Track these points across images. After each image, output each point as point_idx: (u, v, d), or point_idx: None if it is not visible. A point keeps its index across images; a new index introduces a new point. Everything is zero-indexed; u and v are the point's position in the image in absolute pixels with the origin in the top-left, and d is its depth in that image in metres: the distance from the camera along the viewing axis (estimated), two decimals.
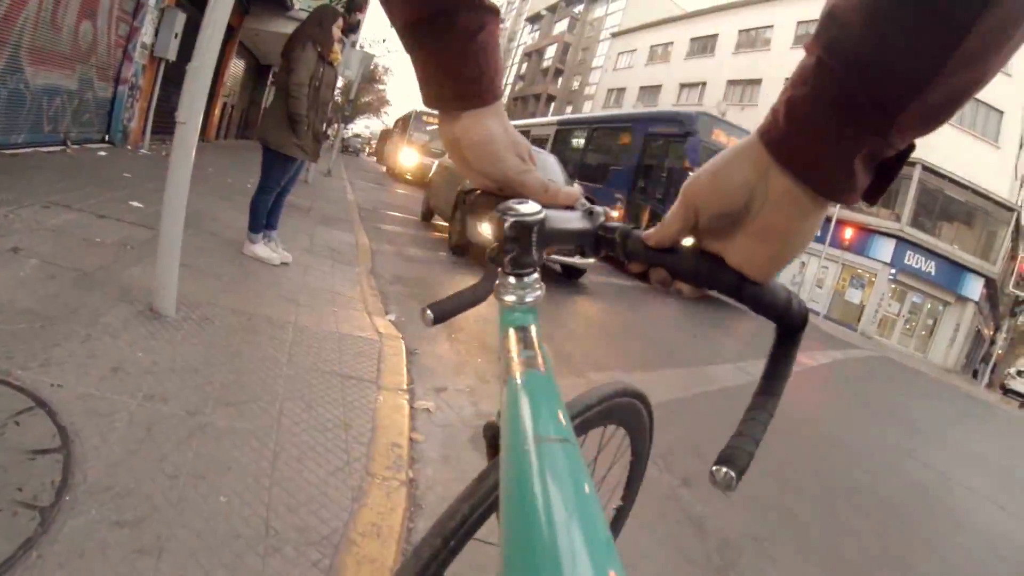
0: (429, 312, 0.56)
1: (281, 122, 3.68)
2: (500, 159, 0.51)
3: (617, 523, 1.12)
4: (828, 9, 0.33)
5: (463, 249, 6.48)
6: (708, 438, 3.24)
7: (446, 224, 7.75)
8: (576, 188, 0.53)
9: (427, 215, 9.40)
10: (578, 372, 3.74)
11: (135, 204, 4.20)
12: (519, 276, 0.49)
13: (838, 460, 3.54)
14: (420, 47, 0.46)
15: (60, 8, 5.05)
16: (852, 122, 0.34)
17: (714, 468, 0.41)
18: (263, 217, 3.90)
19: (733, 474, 0.40)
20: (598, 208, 0.53)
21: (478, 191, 0.58)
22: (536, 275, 0.50)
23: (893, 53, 0.31)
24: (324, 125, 3.96)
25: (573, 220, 0.51)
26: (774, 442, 3.48)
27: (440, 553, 0.60)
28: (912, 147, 0.36)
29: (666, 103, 31.90)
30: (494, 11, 0.45)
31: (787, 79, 0.37)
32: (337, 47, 3.87)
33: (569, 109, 44.60)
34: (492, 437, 0.73)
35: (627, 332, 5.38)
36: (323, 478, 1.71)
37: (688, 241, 0.47)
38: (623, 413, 0.91)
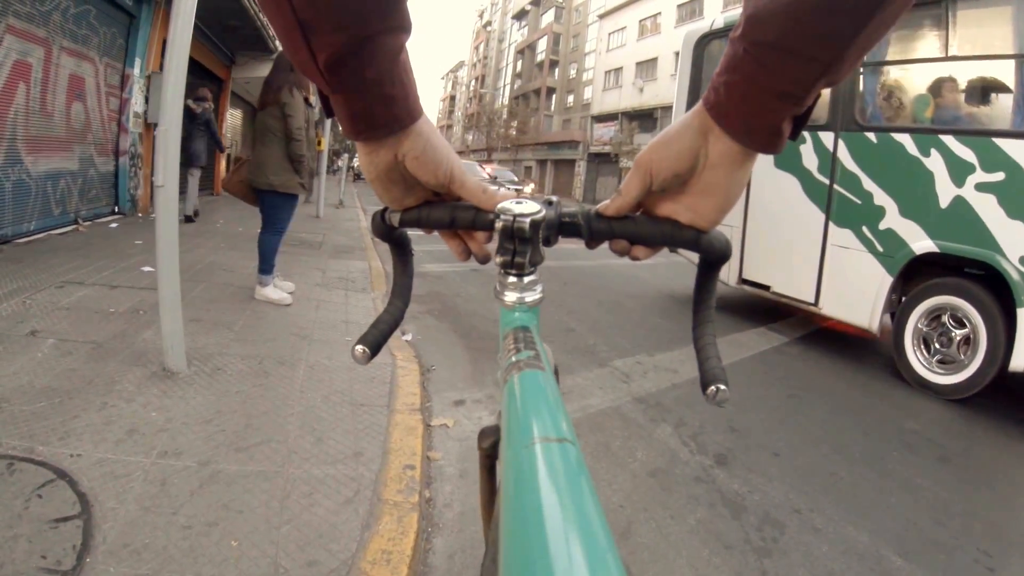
0: (360, 347, 0.57)
1: (282, 164, 3.87)
2: (444, 163, 0.53)
3: None
4: (750, 12, 0.40)
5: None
6: (743, 411, 3.12)
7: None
8: (507, 190, 0.57)
9: None
10: (602, 362, 3.70)
11: (147, 269, 4.32)
12: (519, 276, 0.51)
13: (887, 408, 3.41)
14: (345, 82, 0.45)
15: (48, 96, 5.24)
16: (778, 97, 0.42)
17: (707, 391, 0.46)
18: (274, 257, 4.04)
19: (722, 386, 0.45)
20: (553, 197, 0.55)
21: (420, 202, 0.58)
22: (536, 275, 0.53)
23: (807, 46, 0.39)
24: (315, 162, 4.14)
25: (540, 213, 0.52)
26: (812, 400, 3.38)
27: None
28: (818, 97, 0.44)
29: (664, 74, 31.52)
30: (408, 28, 0.46)
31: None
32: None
33: (570, 98, 44.41)
34: (488, 447, 0.71)
35: (651, 311, 5.30)
36: (333, 510, 1.72)
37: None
38: None
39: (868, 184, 4.09)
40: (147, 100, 7.22)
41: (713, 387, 0.45)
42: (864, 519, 2.17)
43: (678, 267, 6.89)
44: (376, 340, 0.59)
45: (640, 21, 34.67)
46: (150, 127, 7.42)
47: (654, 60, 32.60)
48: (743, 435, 2.79)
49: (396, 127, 0.50)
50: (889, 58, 4.14)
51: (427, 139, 0.52)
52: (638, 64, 34.20)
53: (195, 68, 8.85)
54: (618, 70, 36.39)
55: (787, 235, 4.66)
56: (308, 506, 1.73)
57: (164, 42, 7.36)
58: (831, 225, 4.31)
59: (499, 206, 0.51)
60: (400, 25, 0.44)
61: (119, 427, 2.06)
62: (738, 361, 4.02)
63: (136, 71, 6.89)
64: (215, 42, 9.96)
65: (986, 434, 3.19)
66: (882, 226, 3.99)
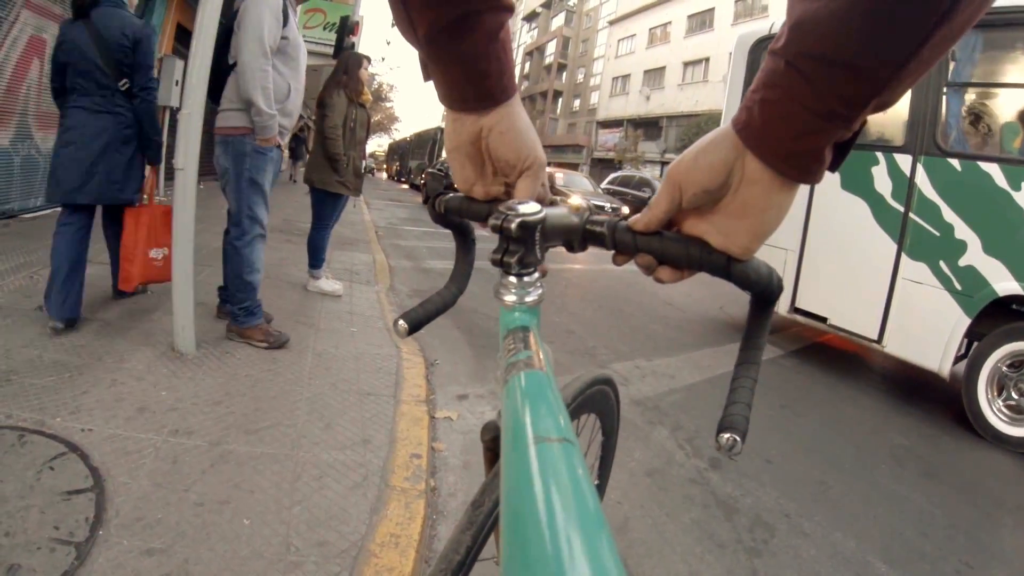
0: (402, 322, 0.59)
1: (323, 163, 4.01)
2: (529, 146, 0.54)
3: None
4: (795, 21, 0.36)
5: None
6: None
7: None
8: (583, 200, 0.55)
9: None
10: (602, 365, 3.75)
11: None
12: (520, 276, 0.51)
13: (878, 423, 3.47)
14: (444, 53, 0.47)
15: None
16: (824, 120, 0.38)
17: (718, 436, 0.43)
18: (323, 252, 4.23)
19: (737, 438, 0.43)
20: (583, 203, 0.55)
21: (451, 194, 0.60)
22: (536, 275, 0.52)
23: (860, 60, 0.35)
24: (362, 161, 4.23)
25: (563, 217, 0.52)
26: (804, 412, 3.43)
27: None
28: (865, 122, 0.40)
29: (671, 84, 31.65)
30: (510, 8, 0.46)
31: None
32: (366, 89, 4.14)
33: (576, 103, 44.47)
34: (491, 440, 0.74)
35: (650, 317, 5.35)
36: (342, 494, 1.77)
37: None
38: (596, 401, 0.94)
39: (949, 215, 3.68)
40: (158, 83, 7.22)
41: (728, 435, 0.43)
42: (851, 526, 2.23)
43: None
44: (419, 318, 0.60)
45: (650, 29, 34.77)
46: (160, 109, 7.42)
47: (662, 69, 32.72)
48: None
49: (488, 102, 0.51)
50: (977, 79, 3.79)
51: (515, 118, 0.52)
52: (646, 72, 34.31)
53: None
54: (626, 77, 36.48)
55: (851, 264, 4.22)
56: (318, 489, 1.77)
57: (178, 25, 7.41)
58: (904, 257, 3.91)
59: (501, 205, 0.50)
60: (499, 4, 0.45)
61: (129, 404, 2.10)
62: (729, 372, 4.05)
63: None
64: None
65: (972, 452, 3.26)
66: (962, 262, 3.61)
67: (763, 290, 0.47)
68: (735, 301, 6.32)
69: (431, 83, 0.52)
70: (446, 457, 2.25)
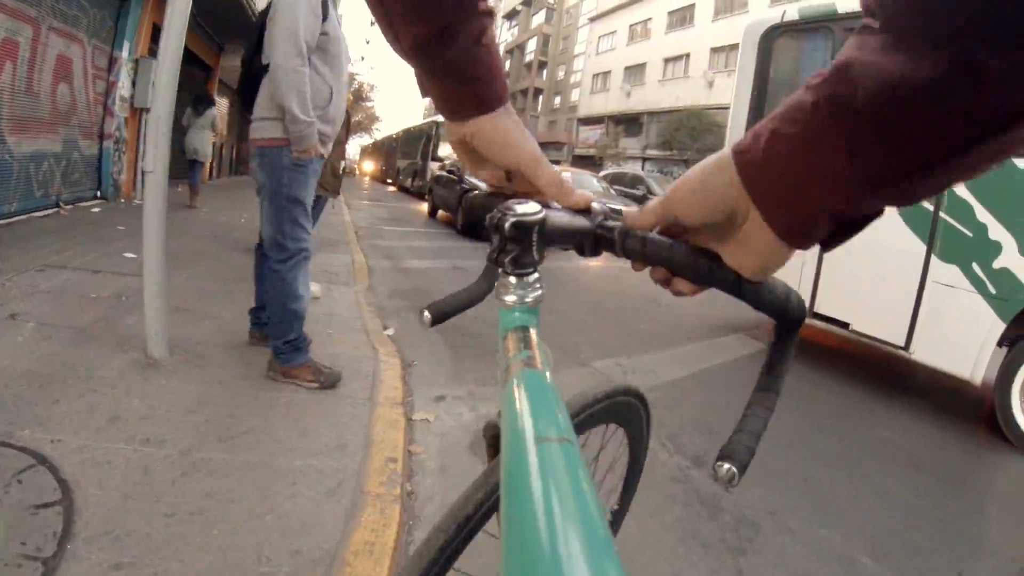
0: (427, 313, 0.60)
1: None
2: (514, 154, 0.53)
3: (612, 528, 1.07)
4: (845, 61, 0.32)
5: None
6: (719, 414, 3.19)
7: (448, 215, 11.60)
8: (590, 194, 0.53)
9: (433, 212, 12.50)
10: (583, 363, 3.73)
11: (129, 255, 4.27)
12: (519, 276, 0.50)
13: (862, 417, 3.49)
14: (429, 64, 0.48)
15: (34, 75, 5.16)
16: (827, 180, 0.33)
17: (716, 464, 0.41)
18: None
19: (735, 469, 0.40)
20: (596, 206, 0.52)
21: (475, 191, 0.61)
22: (536, 275, 0.51)
23: (892, 138, 0.30)
24: (340, 162, 4.16)
25: (571, 219, 0.50)
26: (788, 407, 3.45)
27: (452, 541, 0.60)
28: (881, 211, 0.35)
29: (652, 80, 31.80)
30: (491, 14, 0.48)
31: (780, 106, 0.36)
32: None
33: (557, 100, 44.55)
34: (492, 438, 0.74)
35: (632, 314, 5.35)
36: (316, 501, 1.73)
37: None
38: (623, 412, 0.91)
39: (982, 215, 3.48)
40: (134, 84, 7.13)
41: (726, 464, 0.41)
42: (837, 522, 2.23)
43: None
44: (444, 310, 0.61)
45: (630, 26, 34.94)
46: (136, 111, 7.33)
47: (643, 65, 32.89)
48: (720, 438, 2.82)
49: (478, 110, 0.52)
50: None
51: (496, 126, 0.52)
52: (626, 68, 34.47)
53: (185, 55, 8.74)
54: (606, 74, 36.62)
55: (877, 266, 3.94)
56: (291, 496, 1.74)
57: (154, 26, 7.33)
58: (933, 259, 3.68)
59: (500, 204, 0.49)
60: (476, 11, 0.46)
61: (101, 414, 2.05)
62: (715, 366, 4.09)
63: (124, 54, 6.81)
64: (205, 30, 9.85)
65: (958, 443, 3.29)
66: (997, 264, 3.40)
67: (779, 313, 0.44)
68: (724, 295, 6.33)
69: (415, 87, 0.54)
70: (423, 460, 2.22)
